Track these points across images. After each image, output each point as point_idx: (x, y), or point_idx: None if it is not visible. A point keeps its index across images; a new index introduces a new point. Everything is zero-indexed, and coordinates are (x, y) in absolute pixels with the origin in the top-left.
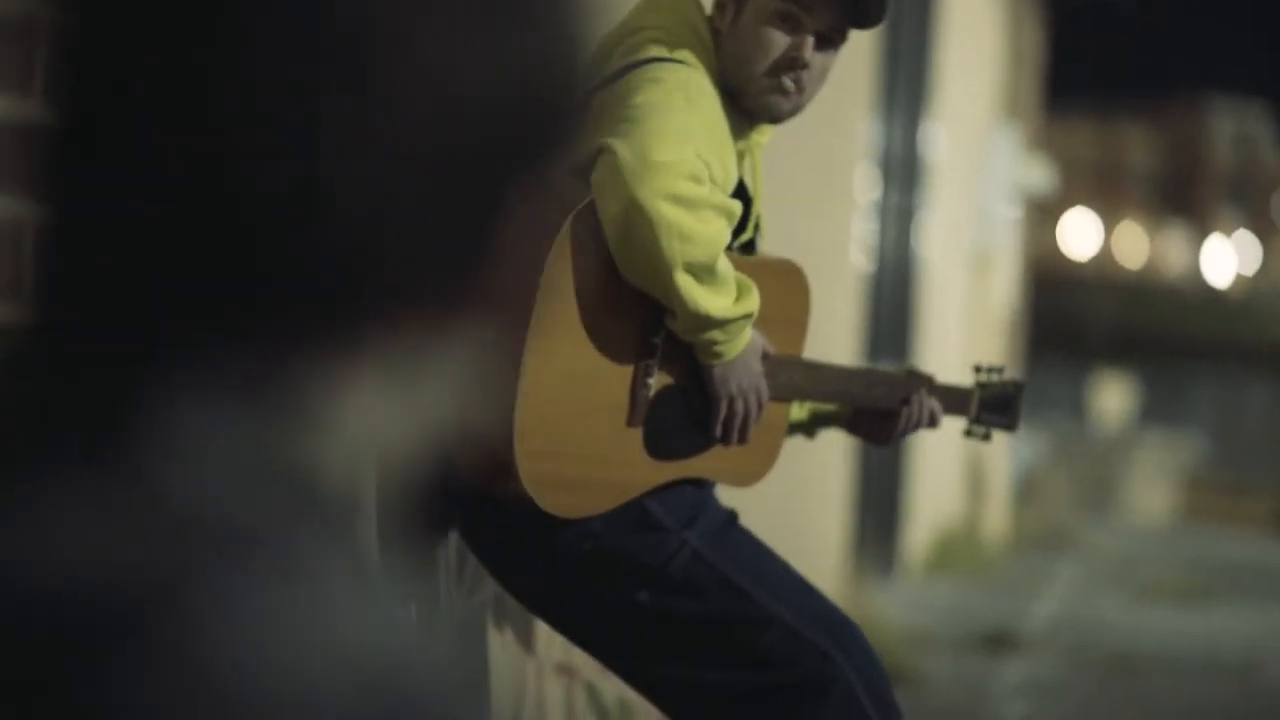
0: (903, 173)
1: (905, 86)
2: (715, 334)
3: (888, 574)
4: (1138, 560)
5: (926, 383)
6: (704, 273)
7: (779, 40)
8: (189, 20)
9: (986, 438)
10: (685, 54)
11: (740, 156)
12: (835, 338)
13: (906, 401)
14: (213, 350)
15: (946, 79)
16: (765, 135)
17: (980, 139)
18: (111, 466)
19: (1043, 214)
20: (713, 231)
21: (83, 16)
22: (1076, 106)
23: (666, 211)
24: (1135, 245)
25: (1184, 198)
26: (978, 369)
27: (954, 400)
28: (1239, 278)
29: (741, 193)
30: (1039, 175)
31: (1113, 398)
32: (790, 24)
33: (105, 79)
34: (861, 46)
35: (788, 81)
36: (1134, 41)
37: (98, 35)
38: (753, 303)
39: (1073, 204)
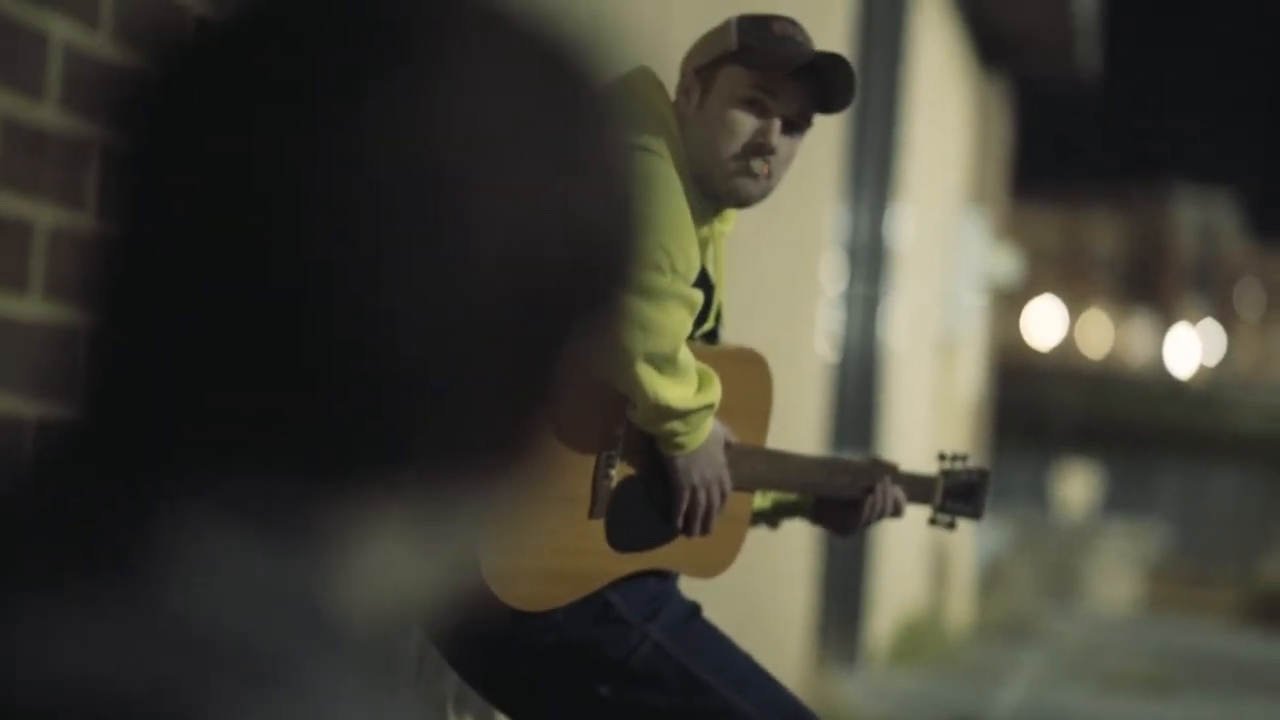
0: (869, 259)
1: (872, 173)
2: (676, 425)
3: (851, 662)
4: (1102, 649)
5: (890, 471)
6: (665, 364)
7: (747, 124)
8: (250, 145)
9: (951, 526)
10: (650, 140)
11: (704, 244)
12: (800, 426)
13: (870, 490)
14: (245, 472)
15: (913, 165)
16: (729, 223)
17: (947, 225)
18: (131, 583)
19: (1009, 301)
20: (674, 322)
21: (141, 136)
22: (1042, 192)
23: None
24: (1100, 333)
25: (1149, 285)
26: (942, 456)
27: (918, 489)
28: (1202, 368)
29: (704, 281)
30: (1006, 263)
31: (1076, 486)
32: (758, 108)
33: (158, 197)
34: (828, 132)
35: (756, 165)
36: (1100, 127)
37: (153, 154)
38: (714, 393)
39: (1038, 290)
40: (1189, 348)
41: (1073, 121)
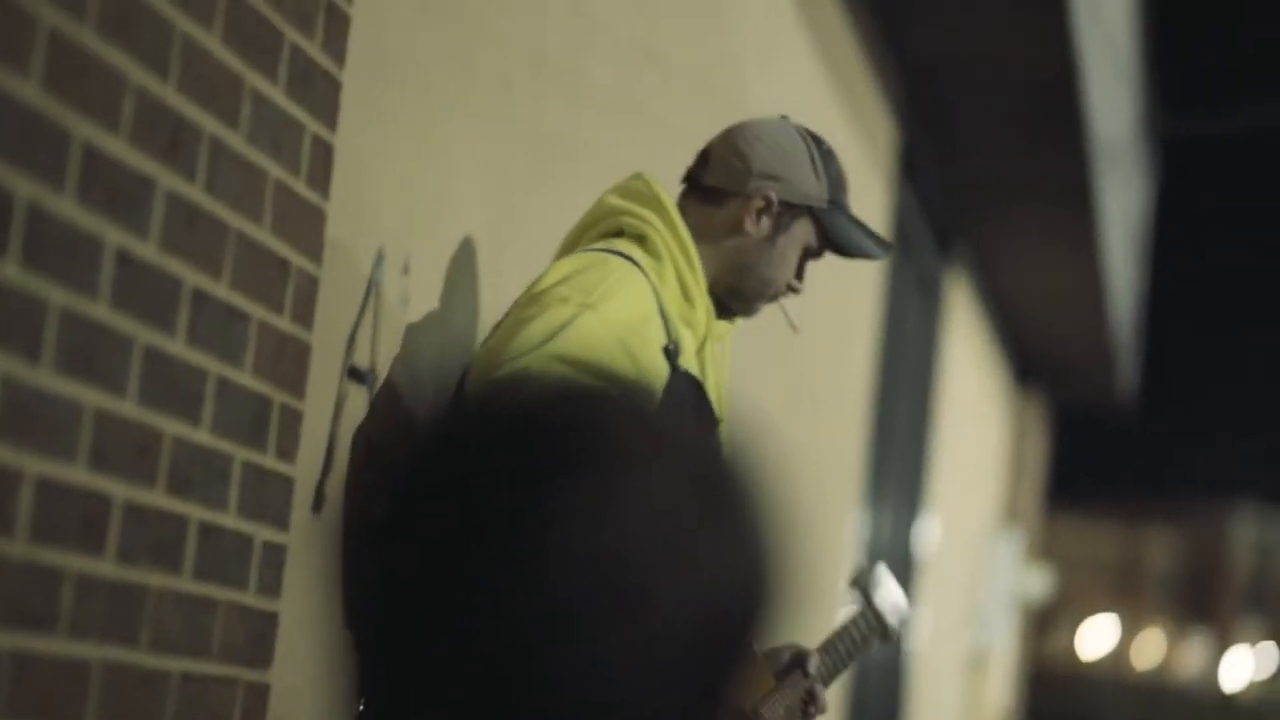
0: (893, 568)
1: (898, 483)
2: None
3: None
4: None
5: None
6: None
7: (794, 264)
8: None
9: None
10: (629, 247)
11: (701, 344)
12: None
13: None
14: None
15: (943, 478)
16: (736, 321)
17: (979, 542)
18: None
19: (1056, 613)
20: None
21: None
22: (1099, 506)
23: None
24: (1154, 651)
25: (1203, 604)
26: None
27: (843, 647)
28: (1251, 683)
29: (691, 381)
30: (1038, 581)
31: None
32: (808, 255)
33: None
34: (852, 441)
35: (782, 297)
36: (1152, 445)
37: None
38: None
39: (1092, 605)
40: (1243, 667)
41: (1123, 436)
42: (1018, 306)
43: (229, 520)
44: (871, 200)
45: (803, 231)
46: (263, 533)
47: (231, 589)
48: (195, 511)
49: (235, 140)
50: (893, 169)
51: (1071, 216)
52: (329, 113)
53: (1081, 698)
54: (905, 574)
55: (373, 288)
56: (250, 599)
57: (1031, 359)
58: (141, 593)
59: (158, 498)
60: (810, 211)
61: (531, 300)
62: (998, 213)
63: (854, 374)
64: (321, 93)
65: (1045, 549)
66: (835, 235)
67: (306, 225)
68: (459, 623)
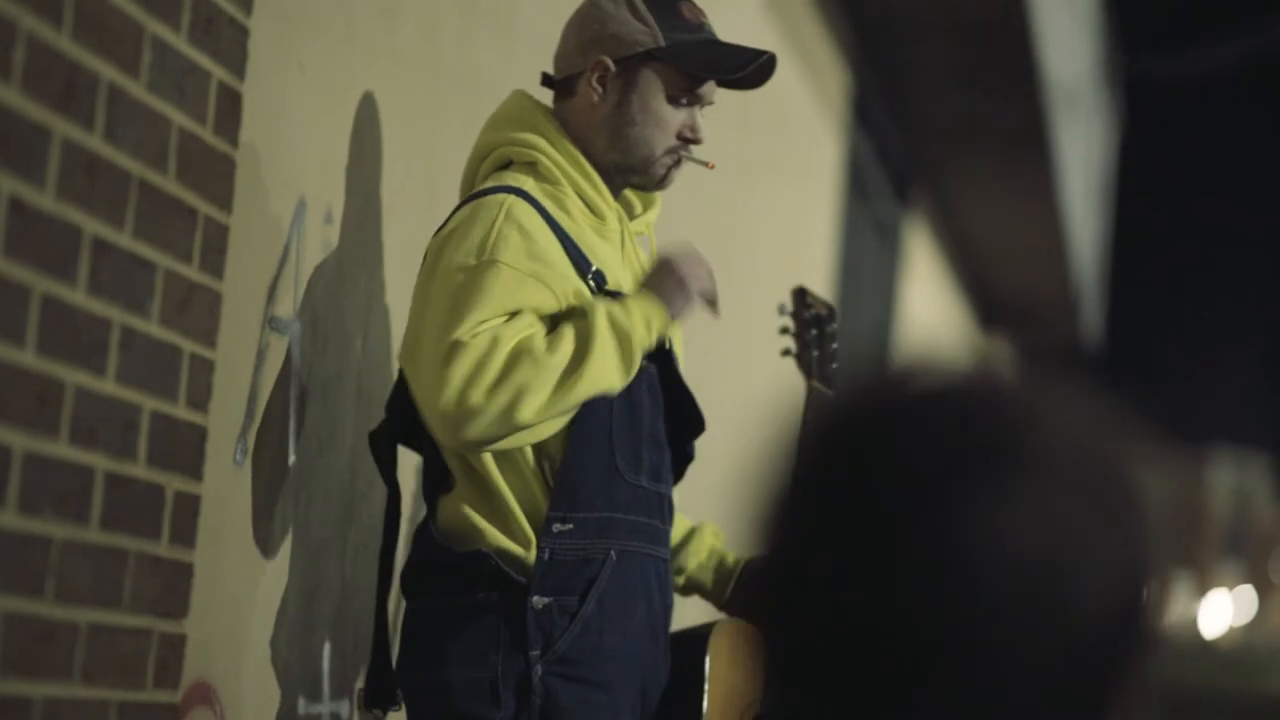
0: None
1: None
2: (636, 357)
3: None
4: None
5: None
6: (560, 402)
7: (677, 118)
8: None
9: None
10: (518, 178)
11: (622, 250)
12: None
13: None
14: None
15: None
16: (654, 211)
17: None
18: None
19: None
20: (456, 371)
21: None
22: None
23: (486, 427)
24: None
25: (1182, 549)
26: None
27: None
28: (1231, 629)
29: (602, 281)
30: None
31: None
32: (685, 101)
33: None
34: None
35: (686, 152)
36: (1123, 392)
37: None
38: (602, 320)
39: None
40: (1222, 611)
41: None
42: (979, 252)
43: (139, 470)
44: (824, 149)
45: (652, 80)
46: (174, 483)
47: (142, 539)
48: (101, 462)
49: (135, 88)
50: (845, 116)
51: (1028, 162)
52: (236, 60)
53: None
54: None
55: (294, 237)
56: (162, 549)
57: (994, 305)
58: (46, 543)
59: (60, 448)
60: (651, 57)
61: (430, 276)
62: (954, 159)
63: None
64: (227, 40)
65: None
66: (691, 66)
67: (214, 173)
68: (872, 617)
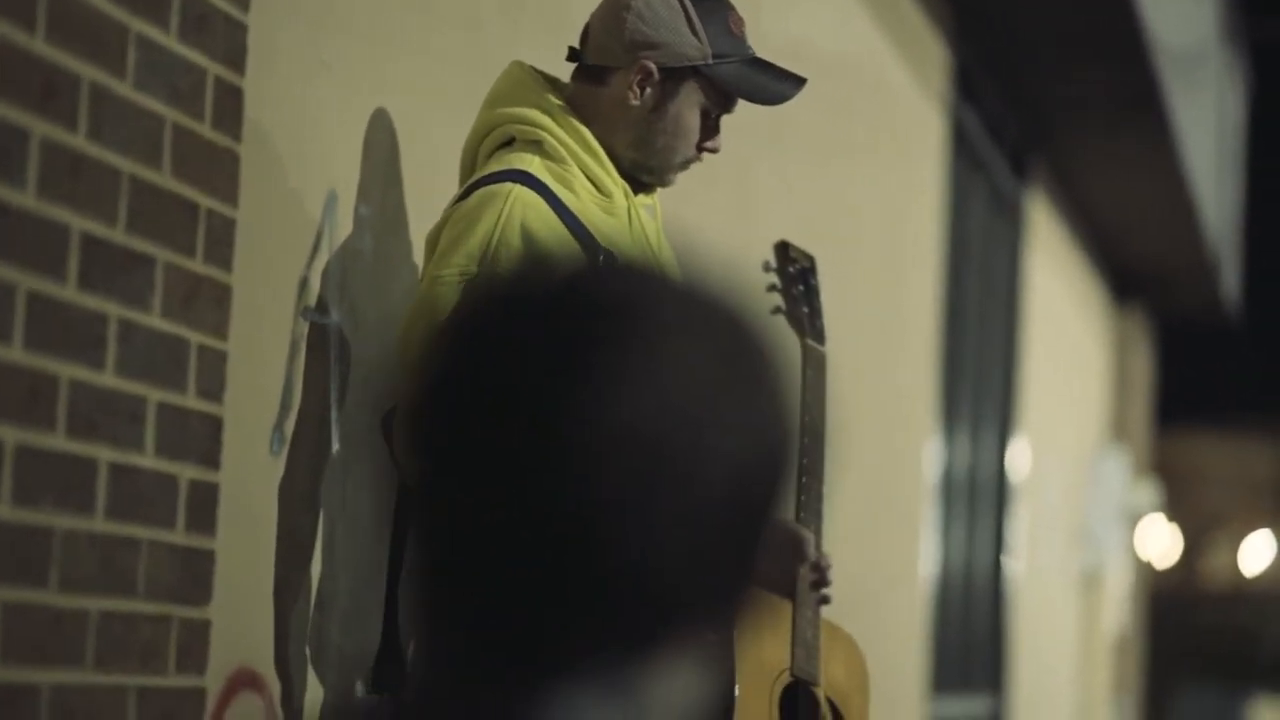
0: (986, 495)
1: (990, 407)
2: None
3: None
4: None
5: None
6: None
7: (699, 128)
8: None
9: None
10: (523, 158)
11: (629, 220)
12: (903, 663)
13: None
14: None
15: (1037, 400)
16: (653, 197)
17: (1083, 462)
18: None
19: (1211, 531)
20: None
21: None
22: (1254, 423)
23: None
24: None
25: None
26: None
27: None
28: None
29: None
30: (1147, 497)
31: None
32: (710, 114)
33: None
34: (922, 370)
35: (697, 159)
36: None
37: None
38: None
39: (1249, 522)
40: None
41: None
42: (1105, 224)
43: (146, 460)
44: (928, 125)
45: (692, 93)
46: (188, 472)
47: (156, 528)
48: (105, 453)
49: (121, 87)
50: (948, 92)
51: (1145, 130)
52: (234, 56)
53: (1240, 614)
54: (999, 498)
55: (326, 228)
56: (178, 537)
57: (1128, 275)
58: (47, 534)
59: (57, 440)
60: (696, 71)
61: (425, 275)
62: (1069, 130)
63: (918, 301)
64: (223, 37)
65: (1158, 466)
66: (729, 88)
67: (216, 168)
68: (504, 505)
